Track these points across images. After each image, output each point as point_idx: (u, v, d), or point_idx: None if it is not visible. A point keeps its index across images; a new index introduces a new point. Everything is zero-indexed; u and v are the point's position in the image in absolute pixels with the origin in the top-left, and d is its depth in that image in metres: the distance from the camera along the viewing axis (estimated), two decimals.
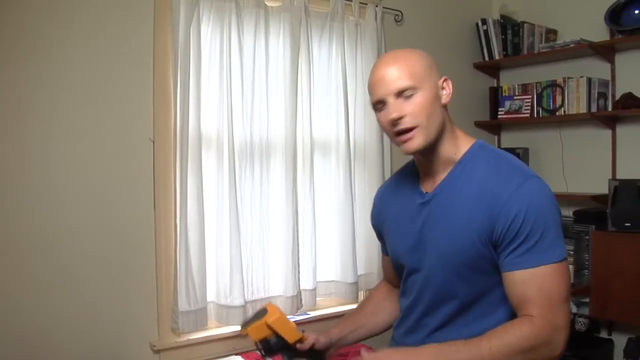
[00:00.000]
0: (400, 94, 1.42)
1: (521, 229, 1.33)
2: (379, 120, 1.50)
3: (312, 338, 1.59)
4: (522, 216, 1.33)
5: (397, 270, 1.71)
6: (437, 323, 1.52)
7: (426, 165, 1.54)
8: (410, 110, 1.41)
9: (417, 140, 1.43)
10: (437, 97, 1.45)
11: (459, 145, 1.50)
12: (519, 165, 1.44)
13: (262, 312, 1.55)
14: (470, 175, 1.45)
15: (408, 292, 1.63)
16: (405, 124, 1.42)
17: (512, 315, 1.42)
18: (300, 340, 1.55)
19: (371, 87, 1.48)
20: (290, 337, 1.53)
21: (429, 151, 1.48)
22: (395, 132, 1.44)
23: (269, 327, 1.51)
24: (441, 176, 1.51)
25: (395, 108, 1.42)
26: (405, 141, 1.43)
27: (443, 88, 1.48)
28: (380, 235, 1.82)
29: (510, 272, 1.36)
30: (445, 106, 1.49)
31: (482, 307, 1.43)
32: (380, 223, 1.77)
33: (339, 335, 1.70)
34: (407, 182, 1.63)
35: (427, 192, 1.53)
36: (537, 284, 1.33)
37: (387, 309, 1.80)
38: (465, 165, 1.47)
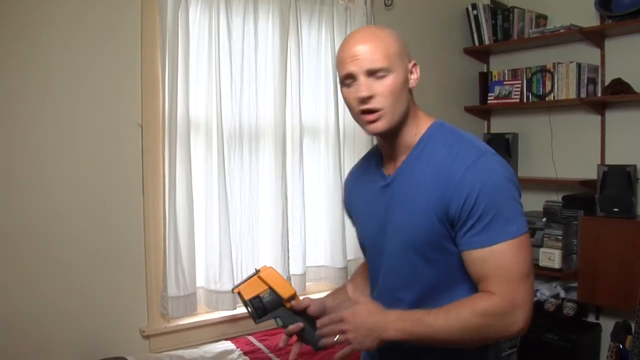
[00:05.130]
0: (372, 73, 1.39)
1: (475, 208, 1.32)
2: (344, 96, 1.46)
3: (306, 300, 1.55)
4: (474, 195, 1.31)
5: (365, 256, 1.70)
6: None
7: (388, 148, 1.52)
8: (380, 92, 1.39)
9: (381, 123, 1.41)
10: (406, 81, 1.43)
11: (419, 126, 1.48)
12: (474, 143, 1.41)
13: (254, 272, 1.54)
14: (428, 156, 1.43)
15: (373, 280, 1.62)
16: (373, 103, 1.39)
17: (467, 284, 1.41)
18: (294, 298, 1.51)
19: (342, 61, 1.43)
20: (284, 292, 1.49)
21: (392, 134, 1.47)
22: (361, 110, 1.41)
23: (262, 280, 1.50)
24: (402, 158, 1.49)
25: (366, 86, 1.39)
26: (371, 121, 1.42)
27: (412, 72, 1.45)
28: (353, 221, 1.81)
29: (467, 251, 1.35)
30: (410, 90, 1.47)
31: (446, 289, 1.42)
32: (350, 208, 1.75)
33: (333, 303, 1.63)
34: (372, 165, 1.62)
35: (389, 175, 1.52)
36: (494, 262, 1.32)
37: None
38: (424, 146, 1.45)
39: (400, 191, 1.46)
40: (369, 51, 1.38)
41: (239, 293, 1.53)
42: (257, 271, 1.53)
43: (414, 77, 1.45)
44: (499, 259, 1.32)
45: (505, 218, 1.32)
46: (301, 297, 1.56)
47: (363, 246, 1.67)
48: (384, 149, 1.55)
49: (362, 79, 1.39)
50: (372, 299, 1.58)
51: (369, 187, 1.59)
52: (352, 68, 1.40)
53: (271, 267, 1.55)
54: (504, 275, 1.31)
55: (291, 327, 1.51)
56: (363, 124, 1.44)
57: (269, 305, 1.50)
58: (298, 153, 3.30)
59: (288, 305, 1.52)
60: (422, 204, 1.39)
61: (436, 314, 1.33)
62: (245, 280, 1.53)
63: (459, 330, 1.31)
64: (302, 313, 1.52)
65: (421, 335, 1.33)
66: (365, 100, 1.39)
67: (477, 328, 1.31)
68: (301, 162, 3.31)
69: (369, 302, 1.41)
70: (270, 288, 1.50)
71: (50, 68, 2.64)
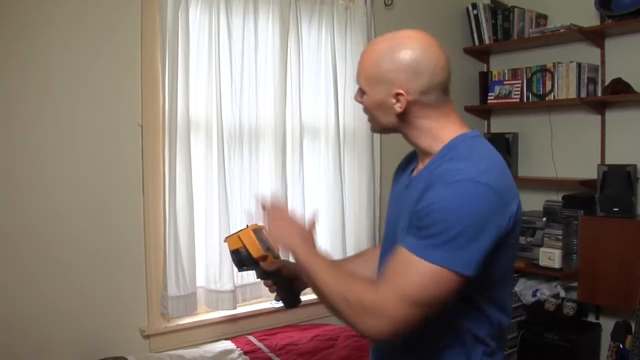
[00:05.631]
0: None
1: (426, 216, 1.27)
2: None
3: (279, 262, 1.67)
4: (432, 207, 1.27)
5: None
6: None
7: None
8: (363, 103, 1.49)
9: (370, 124, 1.53)
10: (384, 104, 1.41)
11: (437, 138, 1.43)
12: (475, 164, 1.32)
13: (244, 228, 1.69)
14: (437, 168, 1.38)
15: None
16: (363, 109, 1.51)
17: (453, 309, 1.35)
18: (264, 259, 1.65)
19: None
20: (253, 252, 1.63)
21: (404, 137, 1.50)
22: None
23: (239, 238, 1.65)
24: (424, 163, 1.47)
25: (358, 94, 1.49)
26: None
27: (396, 100, 1.39)
28: None
29: (398, 245, 1.33)
30: (402, 114, 1.42)
31: None
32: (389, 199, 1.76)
33: None
34: (411, 160, 1.61)
35: (413, 176, 1.51)
36: (400, 266, 1.29)
37: (371, 270, 1.72)
38: (441, 157, 1.40)
39: (410, 195, 1.44)
40: (357, 68, 1.47)
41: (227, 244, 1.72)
42: (247, 227, 1.68)
43: (397, 105, 1.40)
44: (405, 266, 1.28)
45: (440, 243, 1.24)
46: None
47: None
48: None
49: (357, 88, 1.49)
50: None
51: (400, 183, 1.60)
52: None
53: (255, 227, 1.69)
54: (397, 282, 1.27)
55: (264, 283, 1.70)
56: None
57: (245, 259, 1.65)
58: (298, 153, 3.30)
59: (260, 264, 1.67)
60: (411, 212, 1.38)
61: (333, 267, 1.40)
62: (235, 233, 1.69)
63: (333, 291, 1.34)
64: (274, 273, 1.66)
65: (311, 269, 1.39)
66: None
67: (345, 302, 1.31)
68: (301, 162, 3.31)
69: (296, 219, 1.57)
70: (245, 246, 1.65)
71: (50, 68, 2.64)
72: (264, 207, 1.60)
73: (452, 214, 1.25)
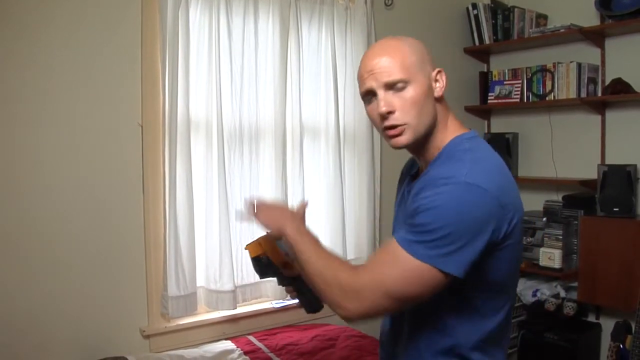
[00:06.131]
0: (390, 86, 1.34)
1: (417, 215, 1.27)
2: (368, 113, 1.43)
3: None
4: (423, 207, 1.26)
5: None
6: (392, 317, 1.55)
7: (417, 155, 1.49)
8: (401, 105, 1.34)
9: (405, 137, 1.37)
10: (430, 90, 1.37)
11: (442, 140, 1.41)
12: (464, 168, 1.30)
13: (264, 235, 1.67)
14: (431, 171, 1.38)
15: None
16: (394, 120, 1.35)
17: (452, 313, 1.37)
18: (285, 266, 1.63)
19: (360, 78, 1.40)
20: (275, 258, 1.62)
21: (416, 148, 1.44)
22: (384, 126, 1.38)
23: (260, 245, 1.64)
24: (423, 168, 1.45)
25: (385, 101, 1.34)
26: (394, 136, 1.38)
27: (436, 81, 1.38)
28: None
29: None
30: (439, 99, 1.40)
31: (423, 313, 1.39)
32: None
33: None
34: (412, 167, 1.59)
35: (413, 182, 1.48)
36: (386, 255, 1.31)
37: None
38: (439, 162, 1.39)
39: (409, 200, 1.41)
40: (385, 64, 1.34)
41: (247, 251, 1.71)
42: (267, 234, 1.66)
43: (439, 85, 1.38)
44: (390, 256, 1.29)
45: (427, 240, 1.24)
46: None
47: None
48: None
49: (381, 94, 1.35)
50: None
51: (402, 190, 1.59)
52: (370, 83, 1.37)
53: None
54: (378, 270, 1.29)
55: (286, 289, 1.70)
56: (386, 138, 1.41)
57: (266, 266, 1.64)
58: (298, 153, 3.30)
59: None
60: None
61: (319, 246, 1.40)
62: (255, 240, 1.67)
63: (315, 269, 1.35)
64: (295, 279, 1.65)
65: (297, 245, 1.40)
66: (386, 116, 1.36)
67: (324, 280, 1.34)
68: (301, 162, 3.31)
69: (285, 205, 1.57)
70: (265, 253, 1.64)
71: (50, 68, 2.64)
72: (252, 206, 1.59)
73: (441, 215, 1.24)
